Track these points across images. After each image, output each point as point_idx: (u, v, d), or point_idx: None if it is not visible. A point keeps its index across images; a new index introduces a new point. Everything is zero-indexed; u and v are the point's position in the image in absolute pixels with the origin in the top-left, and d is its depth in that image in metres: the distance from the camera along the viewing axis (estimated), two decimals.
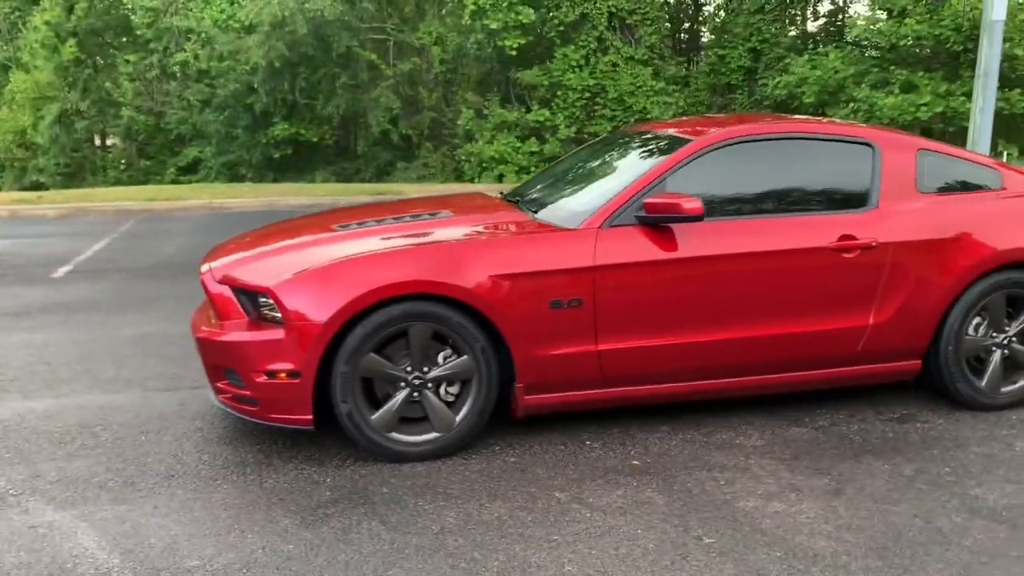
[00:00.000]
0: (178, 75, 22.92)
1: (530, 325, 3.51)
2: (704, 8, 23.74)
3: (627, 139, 4.50)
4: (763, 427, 3.88)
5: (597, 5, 20.22)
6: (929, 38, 16.62)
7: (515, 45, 19.50)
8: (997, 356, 4.03)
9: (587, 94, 20.42)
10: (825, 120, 4.50)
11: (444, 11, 22.78)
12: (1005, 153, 15.08)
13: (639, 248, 3.62)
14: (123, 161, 26.18)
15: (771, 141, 3.95)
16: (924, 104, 16.18)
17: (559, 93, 20.61)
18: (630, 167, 3.96)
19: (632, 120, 20.14)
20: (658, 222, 3.62)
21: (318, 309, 3.35)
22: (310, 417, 3.45)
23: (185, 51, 22.25)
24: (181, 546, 2.85)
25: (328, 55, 21.15)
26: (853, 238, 3.78)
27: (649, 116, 19.86)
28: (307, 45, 20.66)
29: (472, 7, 19.34)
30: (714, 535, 2.93)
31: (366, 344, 3.39)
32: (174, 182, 23.41)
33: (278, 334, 3.40)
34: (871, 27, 17.12)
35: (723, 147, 3.84)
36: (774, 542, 2.88)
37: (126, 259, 8.33)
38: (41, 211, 11.82)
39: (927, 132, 15.92)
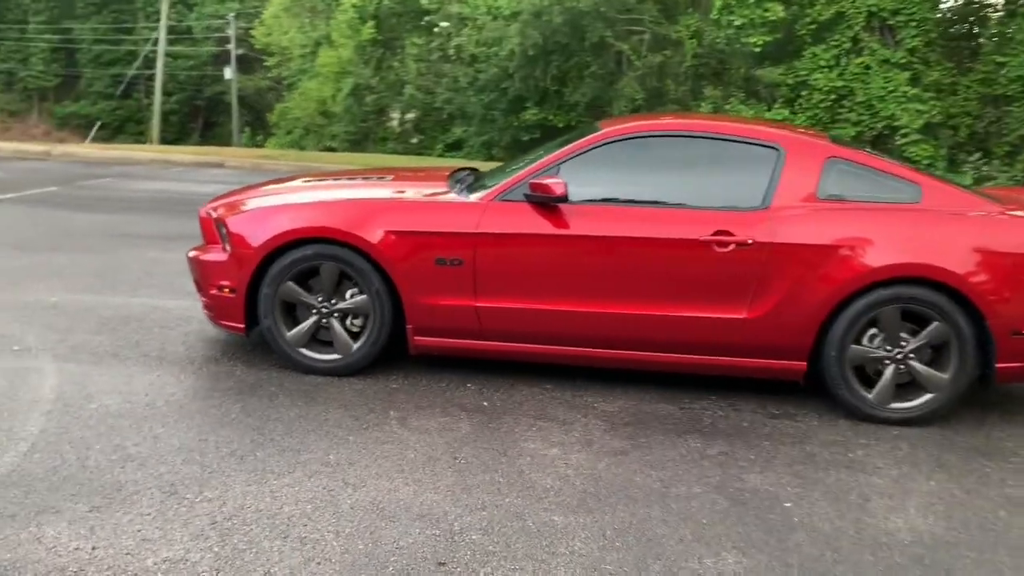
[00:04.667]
0: (453, 58, 25.15)
1: (418, 276, 4.17)
2: (985, 12, 21.60)
3: (578, 130, 4.94)
4: (633, 398, 4.22)
5: (856, 4, 19.28)
6: None
7: (760, 42, 19.20)
8: (891, 370, 4.01)
9: (833, 96, 19.61)
10: (744, 121, 4.61)
11: (705, 4, 22.86)
12: None
13: (521, 221, 4.12)
14: (412, 137, 29.39)
15: (673, 138, 4.24)
16: None
17: (803, 93, 20.00)
18: (546, 153, 4.43)
19: (879, 126, 19.10)
20: (536, 201, 4.10)
21: (251, 241, 4.27)
22: (243, 326, 4.38)
23: (462, 36, 24.34)
24: (105, 391, 3.91)
25: (581, 44, 22.13)
26: (729, 234, 3.99)
27: (897, 123, 18.71)
28: (561, 34, 21.78)
29: (720, 2, 19.34)
30: (472, 459, 3.46)
31: (285, 274, 4.25)
32: (440, 156, 25.87)
33: (226, 257, 4.37)
34: None
35: (622, 141, 4.21)
36: (512, 472, 3.35)
37: None
38: (277, 165, 14.08)
39: None
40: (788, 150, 4.11)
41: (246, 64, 43.98)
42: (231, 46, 42.31)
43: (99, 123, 42.06)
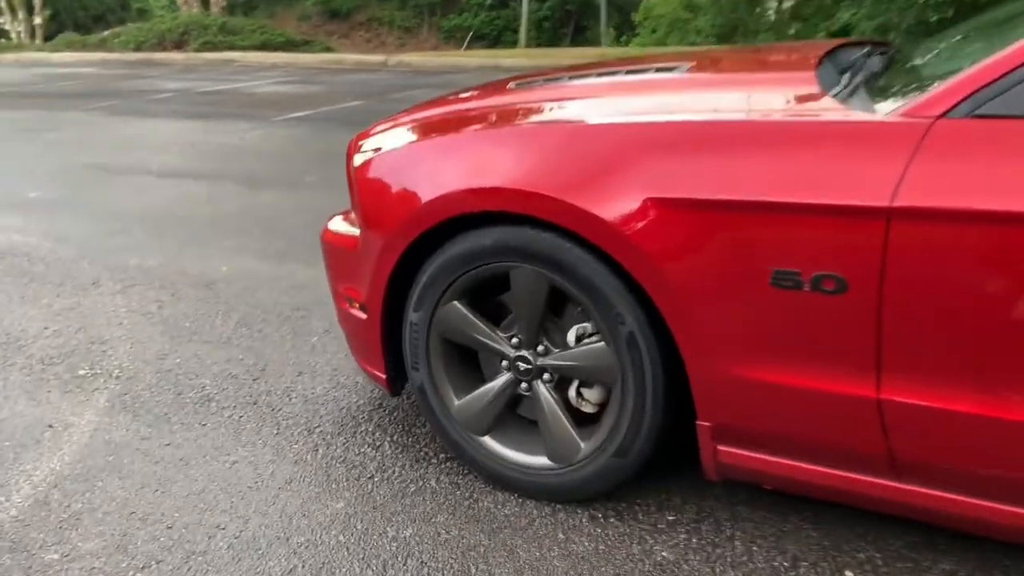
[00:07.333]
0: None
1: (724, 312, 1.67)
2: None
3: None
4: None
5: None
6: None
7: None
8: None
9: None
10: None
11: None
12: None
13: None
14: (789, 26, 25.35)
15: None
16: None
17: None
18: None
19: None
20: None
21: (384, 215, 2.08)
22: (383, 375, 2.24)
23: None
24: (115, 509, 2.03)
25: None
26: None
27: None
28: None
29: None
30: None
31: (445, 283, 2.00)
32: None
33: (354, 244, 2.23)
34: None
35: None
36: None
37: None
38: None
39: None
40: None
41: None
42: None
43: (472, 32, 42.90)
